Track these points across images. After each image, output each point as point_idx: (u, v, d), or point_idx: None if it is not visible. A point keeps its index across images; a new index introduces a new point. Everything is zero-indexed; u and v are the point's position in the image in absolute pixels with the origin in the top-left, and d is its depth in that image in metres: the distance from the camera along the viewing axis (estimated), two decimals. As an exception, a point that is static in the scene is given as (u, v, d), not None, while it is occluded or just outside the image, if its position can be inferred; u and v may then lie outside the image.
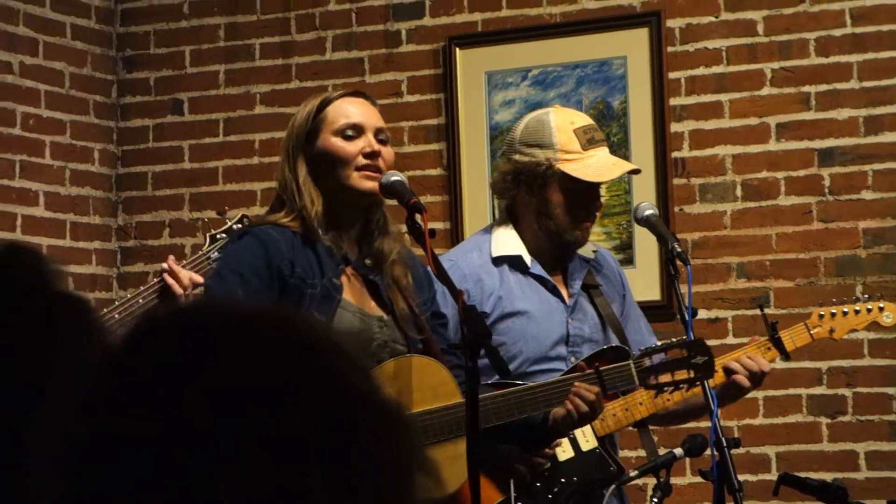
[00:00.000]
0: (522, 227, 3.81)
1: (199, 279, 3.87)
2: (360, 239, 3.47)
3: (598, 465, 3.72)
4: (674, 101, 5.36)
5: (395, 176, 3.36)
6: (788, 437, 5.18)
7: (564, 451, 3.70)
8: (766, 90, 5.29)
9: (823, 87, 5.22)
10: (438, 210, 5.50)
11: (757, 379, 3.77)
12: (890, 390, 5.10)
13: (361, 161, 3.40)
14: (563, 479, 3.68)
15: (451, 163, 5.54)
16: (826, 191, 5.20)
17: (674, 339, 3.59)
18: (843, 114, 5.20)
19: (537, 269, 3.80)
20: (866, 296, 4.08)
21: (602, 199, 3.88)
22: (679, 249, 3.61)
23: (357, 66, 5.73)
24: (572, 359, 3.74)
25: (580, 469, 3.71)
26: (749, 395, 3.88)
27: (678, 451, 3.52)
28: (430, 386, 3.39)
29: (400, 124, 5.58)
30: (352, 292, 3.43)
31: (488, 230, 3.90)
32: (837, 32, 5.22)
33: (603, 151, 3.79)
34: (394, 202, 3.41)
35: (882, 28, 5.19)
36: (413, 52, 5.68)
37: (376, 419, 1.07)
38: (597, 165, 3.74)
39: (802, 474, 3.93)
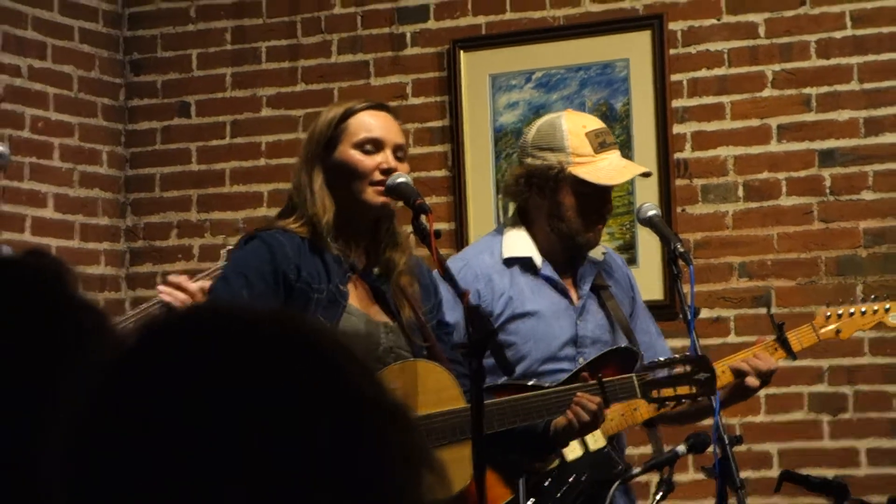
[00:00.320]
0: (534, 230, 3.82)
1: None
2: (369, 249, 3.47)
3: (606, 465, 3.73)
4: (676, 103, 5.38)
5: (401, 177, 3.37)
6: (790, 434, 5.20)
7: (573, 450, 3.70)
8: (767, 92, 5.30)
9: (824, 89, 5.24)
10: (443, 211, 5.52)
11: (766, 378, 3.80)
12: (890, 388, 5.12)
13: (377, 176, 3.39)
14: (571, 478, 3.69)
15: (456, 164, 5.56)
16: (827, 191, 5.22)
17: (677, 356, 3.62)
18: (844, 115, 5.22)
19: (547, 270, 3.81)
20: (873, 296, 4.08)
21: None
22: (681, 249, 3.63)
23: (362, 69, 5.75)
24: (580, 359, 3.75)
25: (589, 468, 3.71)
26: (751, 393, 3.92)
27: (681, 448, 3.52)
28: (434, 390, 3.38)
29: (405, 126, 5.58)
30: (358, 299, 3.43)
31: (499, 231, 3.91)
32: (838, 34, 5.23)
33: (614, 155, 3.80)
34: (399, 203, 3.42)
35: (882, 30, 5.20)
36: (418, 54, 5.70)
37: (381, 419, 1.06)
38: (608, 168, 3.75)
39: (804, 471, 3.93)
